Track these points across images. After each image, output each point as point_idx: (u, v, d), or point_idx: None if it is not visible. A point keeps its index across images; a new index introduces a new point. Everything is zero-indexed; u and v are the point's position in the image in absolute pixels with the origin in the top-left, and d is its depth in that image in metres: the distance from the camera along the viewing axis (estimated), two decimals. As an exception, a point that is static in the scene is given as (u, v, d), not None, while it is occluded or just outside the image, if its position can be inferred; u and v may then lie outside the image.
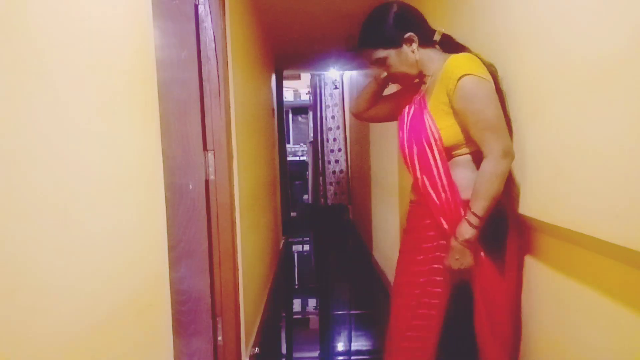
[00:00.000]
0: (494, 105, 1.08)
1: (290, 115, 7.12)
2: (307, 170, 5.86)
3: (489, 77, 1.10)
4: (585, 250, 0.87)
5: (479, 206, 1.07)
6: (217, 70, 1.48)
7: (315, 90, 5.44)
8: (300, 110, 7.06)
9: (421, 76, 1.25)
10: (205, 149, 1.48)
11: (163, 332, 0.94)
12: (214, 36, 1.47)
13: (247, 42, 2.25)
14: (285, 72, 4.80)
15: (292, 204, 5.50)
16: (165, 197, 0.97)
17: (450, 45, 1.23)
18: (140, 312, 0.82)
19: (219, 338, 1.54)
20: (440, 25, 1.48)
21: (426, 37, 1.22)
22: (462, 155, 1.17)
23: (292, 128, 7.21)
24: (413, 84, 1.30)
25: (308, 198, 5.88)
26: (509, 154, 1.07)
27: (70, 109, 0.61)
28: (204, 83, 1.46)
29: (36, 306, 0.53)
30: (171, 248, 1.27)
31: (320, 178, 5.48)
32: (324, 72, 5.33)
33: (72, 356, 0.60)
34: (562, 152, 0.88)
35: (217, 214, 1.52)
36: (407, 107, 1.29)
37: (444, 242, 1.16)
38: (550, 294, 1.01)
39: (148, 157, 0.89)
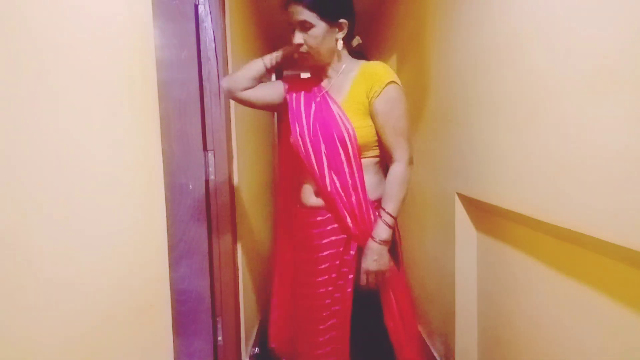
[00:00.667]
0: (408, 117, 1.18)
1: (290, 115, 7.11)
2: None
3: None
4: (585, 250, 0.87)
5: (393, 207, 1.15)
6: (217, 70, 1.48)
7: (315, 90, 5.43)
8: (300, 110, 7.04)
9: (324, 69, 1.24)
10: (205, 149, 1.48)
11: (163, 332, 0.94)
12: (214, 36, 1.47)
13: (247, 42, 2.25)
14: (285, 72, 4.80)
15: (292, 204, 5.47)
16: (165, 197, 0.97)
17: (358, 53, 1.29)
18: (141, 312, 0.82)
19: (219, 338, 1.54)
20: (440, 25, 1.48)
21: (349, 36, 1.23)
22: (371, 157, 1.21)
23: (292, 128, 7.19)
24: (297, 78, 1.30)
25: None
26: (410, 162, 1.18)
27: (69, 109, 0.61)
28: (204, 83, 1.46)
29: (36, 306, 0.53)
30: (171, 248, 1.27)
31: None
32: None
33: (72, 356, 0.60)
34: (562, 152, 0.88)
35: (217, 214, 1.52)
36: (303, 99, 1.25)
37: (344, 248, 1.20)
38: (550, 294, 1.01)
39: (148, 157, 0.89)
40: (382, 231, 1.15)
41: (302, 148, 1.21)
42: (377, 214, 1.19)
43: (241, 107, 1.94)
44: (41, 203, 0.54)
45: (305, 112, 1.23)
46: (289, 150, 1.30)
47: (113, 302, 0.72)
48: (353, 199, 1.17)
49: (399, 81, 1.17)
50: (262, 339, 2.20)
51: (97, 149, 0.68)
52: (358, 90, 1.18)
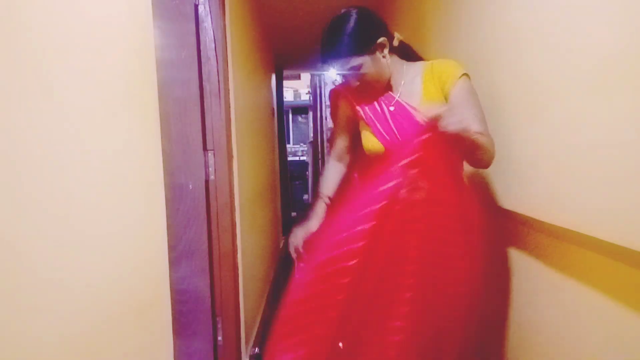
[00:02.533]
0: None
1: (290, 115, 7.13)
2: (307, 170, 5.86)
3: None
4: (585, 250, 0.87)
5: (480, 133, 1.05)
6: (217, 70, 1.48)
7: (315, 90, 5.45)
8: (300, 110, 7.06)
9: (388, 84, 1.24)
10: (205, 149, 1.48)
11: (163, 332, 0.94)
12: (214, 36, 1.46)
13: (247, 42, 2.25)
14: (285, 72, 4.81)
15: (292, 204, 5.49)
16: (165, 197, 0.97)
17: (407, 53, 1.28)
18: (141, 312, 0.82)
19: (219, 338, 1.54)
20: (439, 24, 1.48)
21: (390, 43, 1.22)
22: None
23: (292, 128, 7.21)
24: (377, 93, 1.27)
25: (308, 198, 5.88)
26: (494, 149, 1.10)
27: (69, 109, 0.61)
28: (204, 83, 1.46)
29: (36, 306, 0.53)
30: (171, 248, 1.27)
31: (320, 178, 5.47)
32: (324, 72, 5.33)
33: (72, 356, 0.60)
34: (562, 152, 0.88)
35: (217, 214, 1.52)
36: (379, 108, 1.24)
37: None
38: (550, 294, 1.01)
39: (148, 157, 0.89)
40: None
41: (388, 144, 1.22)
42: None
43: (241, 107, 1.94)
44: (41, 203, 0.54)
45: (387, 120, 1.22)
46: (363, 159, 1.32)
47: (113, 302, 0.72)
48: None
49: (469, 75, 1.16)
50: (262, 339, 2.20)
51: (97, 149, 0.68)
52: (431, 90, 1.17)
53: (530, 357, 1.11)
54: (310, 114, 5.99)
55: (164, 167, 0.96)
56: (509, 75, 1.11)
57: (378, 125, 1.24)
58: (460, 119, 0.99)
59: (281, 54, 3.94)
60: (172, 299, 0.98)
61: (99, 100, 0.70)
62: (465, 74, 1.15)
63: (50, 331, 0.55)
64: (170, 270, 0.99)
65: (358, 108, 1.28)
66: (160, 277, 0.94)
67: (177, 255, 1.44)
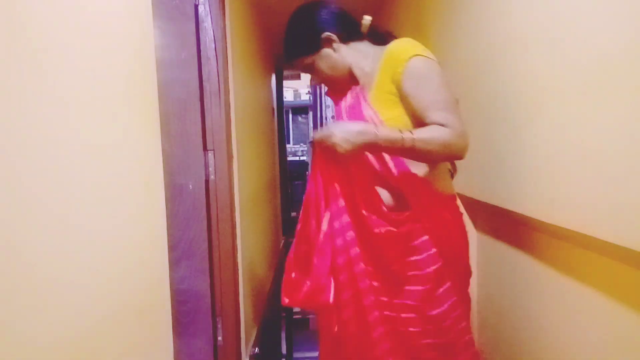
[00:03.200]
0: (449, 87, 0.99)
1: (290, 115, 7.13)
2: (307, 170, 5.86)
3: (436, 60, 1.01)
4: (585, 250, 0.87)
5: (420, 138, 0.93)
6: (217, 70, 1.48)
7: (315, 90, 5.44)
8: (300, 110, 7.06)
9: (352, 75, 1.12)
10: (205, 149, 1.48)
11: (163, 332, 0.94)
12: (214, 36, 1.47)
13: (247, 42, 2.25)
14: (285, 72, 4.80)
15: (292, 204, 5.49)
16: (165, 197, 0.97)
17: (380, 37, 1.13)
18: (140, 312, 0.82)
19: (219, 338, 1.54)
20: (440, 24, 1.48)
21: (350, 32, 1.11)
22: None
23: (292, 128, 7.21)
24: (347, 87, 1.16)
25: (308, 198, 5.87)
26: (466, 139, 0.96)
27: (69, 109, 0.61)
28: (204, 83, 1.46)
29: (36, 306, 0.53)
30: (171, 248, 1.27)
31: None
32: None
33: (72, 356, 0.60)
34: (562, 152, 0.88)
35: (217, 214, 1.52)
36: (342, 103, 1.13)
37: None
38: (549, 294, 1.01)
39: (148, 157, 0.89)
40: (388, 131, 0.94)
41: None
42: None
43: (241, 107, 1.94)
44: (40, 203, 0.54)
45: (343, 115, 1.12)
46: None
47: (113, 302, 0.72)
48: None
49: (424, 52, 1.00)
50: (262, 339, 2.20)
51: (96, 149, 0.68)
52: (384, 79, 1.04)
53: (531, 357, 1.12)
54: (310, 114, 6.00)
55: (164, 167, 0.96)
56: (508, 75, 1.11)
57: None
58: (328, 134, 0.93)
59: (281, 54, 3.94)
60: (172, 299, 0.98)
61: (98, 100, 0.70)
62: (416, 54, 0.98)
63: (49, 331, 0.55)
64: (170, 270, 0.99)
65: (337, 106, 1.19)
66: (160, 277, 0.94)
67: (177, 255, 1.44)
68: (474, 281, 1.48)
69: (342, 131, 0.95)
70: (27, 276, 0.51)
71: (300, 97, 6.86)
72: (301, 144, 6.69)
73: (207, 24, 1.45)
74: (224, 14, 1.57)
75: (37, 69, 0.54)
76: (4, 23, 0.49)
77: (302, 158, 6.32)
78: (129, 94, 0.81)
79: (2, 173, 0.47)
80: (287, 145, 5.48)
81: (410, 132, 0.95)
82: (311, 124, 5.95)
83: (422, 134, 0.95)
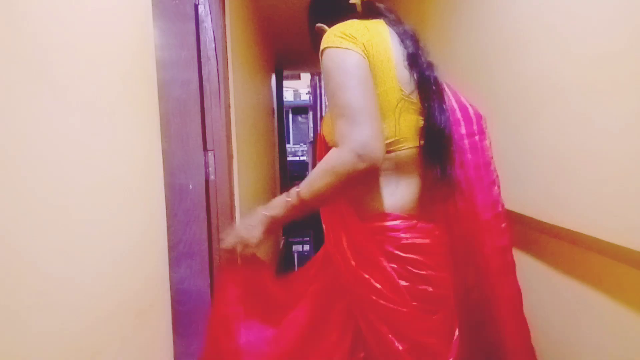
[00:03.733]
0: (354, 84, 0.78)
1: (290, 115, 7.13)
2: (307, 170, 5.87)
3: (359, 47, 0.81)
4: (585, 250, 0.87)
5: (304, 186, 0.81)
6: (217, 70, 1.48)
7: (315, 90, 5.45)
8: (300, 110, 7.06)
9: None
10: (205, 149, 1.48)
11: (163, 332, 0.94)
12: (214, 36, 1.46)
13: (247, 42, 2.25)
14: (285, 72, 4.81)
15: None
16: (165, 197, 0.97)
17: (372, 14, 0.96)
18: (141, 312, 0.82)
19: (219, 338, 1.54)
20: (440, 24, 1.47)
21: (342, 13, 0.94)
22: None
23: (292, 128, 7.21)
24: None
25: (308, 198, 5.88)
26: (365, 154, 0.74)
27: (69, 109, 0.61)
28: (204, 83, 1.46)
29: (36, 306, 0.53)
30: (171, 248, 1.27)
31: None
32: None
33: (72, 356, 0.60)
34: (562, 152, 0.88)
35: (217, 214, 1.52)
36: None
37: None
38: (550, 294, 1.01)
39: (148, 157, 0.89)
40: (276, 203, 0.86)
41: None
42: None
43: (241, 107, 1.94)
44: (41, 203, 0.54)
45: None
46: None
47: (113, 302, 0.72)
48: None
49: (337, 42, 0.82)
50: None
51: (97, 149, 0.68)
52: None
53: (530, 357, 1.11)
54: (310, 114, 6.00)
55: (164, 167, 0.96)
56: (508, 75, 1.11)
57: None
58: (248, 226, 0.86)
59: (281, 54, 3.94)
60: (172, 299, 0.98)
61: (99, 100, 0.70)
62: (326, 47, 0.82)
63: (50, 331, 0.55)
64: (170, 270, 0.99)
65: None
66: (160, 277, 0.94)
67: (177, 255, 1.44)
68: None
69: (237, 236, 0.91)
70: (28, 276, 0.51)
71: (300, 97, 6.86)
72: (301, 144, 6.69)
73: (207, 24, 1.45)
74: (224, 14, 1.57)
75: (37, 70, 0.54)
76: (4, 23, 0.49)
77: (302, 158, 6.33)
78: (129, 94, 0.81)
79: (2, 173, 0.47)
80: (287, 145, 5.48)
81: (297, 187, 0.84)
82: (311, 124, 5.95)
83: (306, 180, 0.83)
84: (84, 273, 0.64)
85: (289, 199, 0.84)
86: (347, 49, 0.82)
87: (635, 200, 0.68)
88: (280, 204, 0.86)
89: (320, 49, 0.84)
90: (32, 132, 0.53)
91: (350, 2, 0.98)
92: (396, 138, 0.86)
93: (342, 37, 0.83)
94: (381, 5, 1.01)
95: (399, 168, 0.89)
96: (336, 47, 0.82)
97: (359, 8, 0.98)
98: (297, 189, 0.83)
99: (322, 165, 0.80)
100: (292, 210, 0.85)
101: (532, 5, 0.98)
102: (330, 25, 0.91)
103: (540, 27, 0.95)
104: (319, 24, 1.01)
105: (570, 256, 0.93)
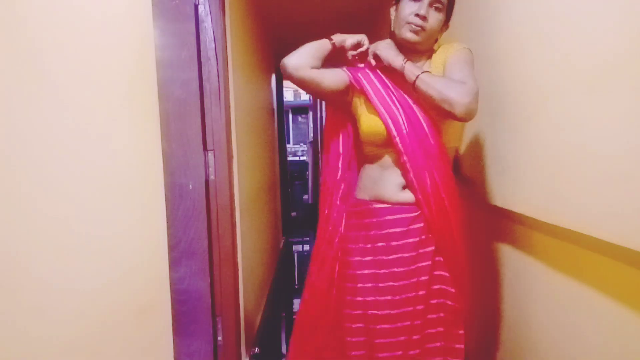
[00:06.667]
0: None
1: (290, 115, 7.13)
2: (307, 170, 5.86)
3: None
4: (585, 250, 0.87)
5: (426, 76, 1.04)
6: (217, 70, 1.48)
7: (315, 90, 5.43)
8: (300, 110, 7.06)
9: (411, 59, 1.16)
10: (205, 149, 1.48)
11: (163, 332, 0.94)
12: (214, 36, 1.46)
13: (247, 42, 2.25)
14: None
15: (292, 204, 5.50)
16: (165, 197, 0.97)
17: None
18: (141, 312, 0.82)
19: (219, 338, 1.54)
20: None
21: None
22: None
23: (292, 128, 7.21)
24: (363, 67, 1.23)
25: (308, 198, 5.88)
26: (470, 98, 1.00)
27: (70, 109, 0.61)
28: (204, 83, 1.46)
29: (36, 306, 0.53)
30: (171, 248, 1.27)
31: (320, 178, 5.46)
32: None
33: (72, 356, 0.60)
34: (562, 152, 0.88)
35: (217, 214, 1.52)
36: (384, 87, 1.16)
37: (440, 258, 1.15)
38: (550, 293, 1.01)
39: (148, 157, 0.89)
40: (399, 58, 1.10)
41: (399, 139, 1.11)
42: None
43: (241, 107, 1.94)
44: (41, 203, 0.54)
45: (393, 101, 1.14)
46: (353, 141, 1.28)
47: (113, 302, 0.72)
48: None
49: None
50: (262, 339, 2.20)
51: (97, 149, 0.68)
52: (438, 67, 1.15)
53: (530, 357, 1.11)
54: (310, 114, 6.00)
55: (164, 167, 0.96)
56: (508, 74, 1.11)
57: (385, 106, 1.15)
58: (389, 52, 1.11)
59: (281, 54, 3.94)
60: (172, 299, 0.98)
61: (98, 100, 0.70)
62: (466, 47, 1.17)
63: (50, 331, 0.55)
64: (170, 270, 0.99)
65: (359, 83, 1.20)
66: (160, 277, 0.94)
67: (177, 255, 1.44)
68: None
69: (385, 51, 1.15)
70: (28, 277, 0.51)
71: (300, 97, 6.86)
72: (301, 144, 6.69)
73: (207, 24, 1.45)
74: (224, 14, 1.57)
75: (37, 70, 0.54)
76: (4, 23, 0.49)
77: (302, 158, 6.32)
78: (129, 94, 0.81)
79: (3, 172, 0.47)
80: (287, 145, 5.48)
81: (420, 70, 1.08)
82: (311, 124, 5.95)
83: (432, 76, 1.06)
84: (84, 273, 0.64)
85: (408, 67, 1.09)
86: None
87: (635, 200, 0.68)
88: (400, 61, 1.11)
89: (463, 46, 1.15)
90: (32, 132, 0.53)
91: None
92: None
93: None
94: None
95: None
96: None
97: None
98: (421, 72, 1.06)
99: (448, 82, 1.04)
100: (401, 70, 1.10)
101: (532, 6, 0.98)
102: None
103: (540, 27, 0.95)
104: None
105: (570, 256, 0.93)
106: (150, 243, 0.89)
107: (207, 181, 1.47)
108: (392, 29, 1.20)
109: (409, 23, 1.12)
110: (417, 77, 1.05)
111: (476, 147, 1.31)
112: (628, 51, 0.69)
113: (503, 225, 1.26)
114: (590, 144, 0.79)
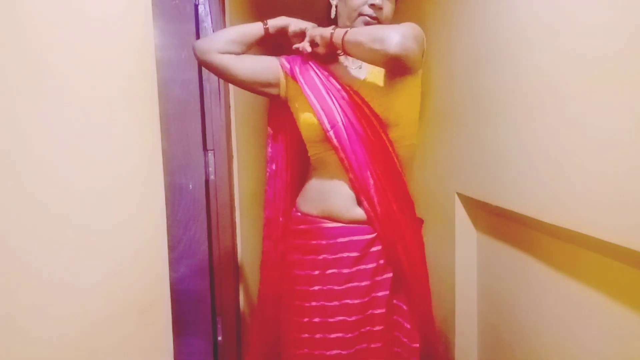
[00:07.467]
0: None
1: (290, 115, 7.10)
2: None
3: None
4: (585, 250, 0.87)
5: (349, 32, 0.93)
6: (217, 70, 1.48)
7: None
8: (300, 110, 7.03)
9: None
10: (205, 149, 1.48)
11: (163, 332, 0.94)
12: (214, 36, 1.46)
13: (247, 42, 2.24)
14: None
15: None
16: (165, 197, 0.97)
17: None
18: (141, 312, 0.82)
19: (219, 338, 1.54)
20: (440, 24, 1.47)
21: None
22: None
23: (292, 128, 7.18)
24: (301, 56, 1.12)
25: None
26: (404, 39, 0.86)
27: (69, 110, 0.61)
28: (204, 83, 1.46)
29: (36, 306, 0.53)
30: (171, 248, 1.27)
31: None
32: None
33: (72, 356, 0.60)
34: (562, 152, 0.88)
35: (217, 214, 1.52)
36: (326, 79, 1.03)
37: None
38: (549, 294, 1.01)
39: (148, 157, 0.89)
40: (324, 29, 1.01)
41: (332, 132, 0.97)
42: None
43: (241, 106, 1.94)
44: (41, 203, 0.54)
45: (328, 92, 1.01)
46: (293, 144, 1.13)
47: (113, 302, 0.72)
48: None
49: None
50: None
51: (97, 149, 0.68)
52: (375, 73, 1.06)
53: (531, 357, 1.12)
54: (310, 114, 5.96)
55: (164, 167, 0.96)
56: (508, 74, 1.11)
57: (321, 102, 1.02)
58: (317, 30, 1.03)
59: (281, 53, 3.93)
60: (172, 299, 0.98)
61: (99, 100, 0.70)
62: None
63: (50, 331, 0.55)
64: (170, 270, 0.99)
65: (295, 75, 1.08)
66: (160, 277, 0.94)
67: (177, 255, 1.44)
68: (473, 281, 1.48)
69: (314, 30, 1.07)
70: (28, 276, 0.51)
71: (300, 97, 6.85)
72: (301, 144, 6.68)
73: (207, 24, 1.45)
74: (224, 14, 1.57)
75: (37, 70, 0.54)
76: (4, 24, 0.49)
77: (302, 158, 6.30)
78: (129, 94, 0.81)
79: (3, 172, 0.47)
80: (287, 145, 5.46)
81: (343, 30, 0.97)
82: (311, 124, 5.92)
83: (354, 29, 0.96)
84: (84, 273, 0.64)
85: (333, 31, 0.99)
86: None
87: (635, 200, 0.68)
88: (329, 30, 1.01)
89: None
90: (32, 133, 0.53)
91: None
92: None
93: None
94: None
95: None
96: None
97: None
98: (345, 31, 0.95)
99: (373, 29, 0.91)
100: (331, 37, 0.98)
101: (533, 6, 0.98)
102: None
103: (540, 26, 0.95)
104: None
105: (570, 256, 0.93)
106: (150, 243, 0.89)
107: (207, 181, 1.47)
108: (333, 17, 1.09)
109: (362, 15, 1.00)
110: (346, 32, 0.94)
111: (476, 147, 1.31)
112: (630, 50, 0.69)
113: (503, 225, 1.26)
114: (591, 144, 0.79)
